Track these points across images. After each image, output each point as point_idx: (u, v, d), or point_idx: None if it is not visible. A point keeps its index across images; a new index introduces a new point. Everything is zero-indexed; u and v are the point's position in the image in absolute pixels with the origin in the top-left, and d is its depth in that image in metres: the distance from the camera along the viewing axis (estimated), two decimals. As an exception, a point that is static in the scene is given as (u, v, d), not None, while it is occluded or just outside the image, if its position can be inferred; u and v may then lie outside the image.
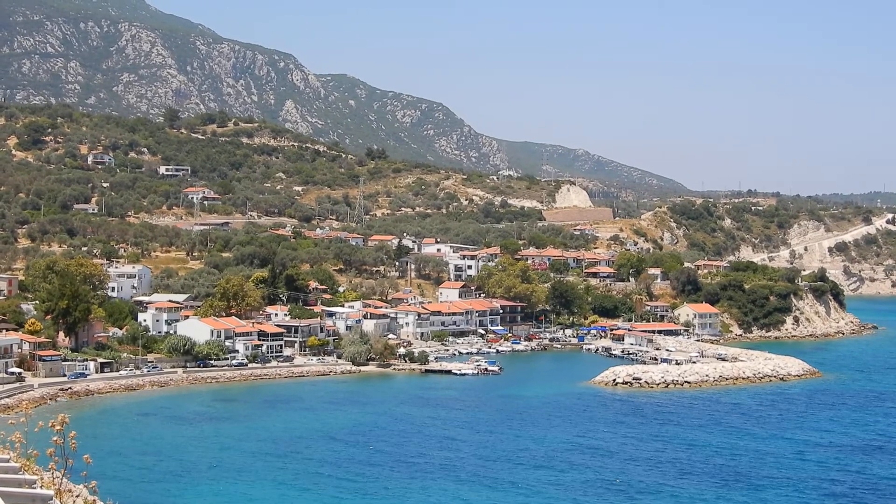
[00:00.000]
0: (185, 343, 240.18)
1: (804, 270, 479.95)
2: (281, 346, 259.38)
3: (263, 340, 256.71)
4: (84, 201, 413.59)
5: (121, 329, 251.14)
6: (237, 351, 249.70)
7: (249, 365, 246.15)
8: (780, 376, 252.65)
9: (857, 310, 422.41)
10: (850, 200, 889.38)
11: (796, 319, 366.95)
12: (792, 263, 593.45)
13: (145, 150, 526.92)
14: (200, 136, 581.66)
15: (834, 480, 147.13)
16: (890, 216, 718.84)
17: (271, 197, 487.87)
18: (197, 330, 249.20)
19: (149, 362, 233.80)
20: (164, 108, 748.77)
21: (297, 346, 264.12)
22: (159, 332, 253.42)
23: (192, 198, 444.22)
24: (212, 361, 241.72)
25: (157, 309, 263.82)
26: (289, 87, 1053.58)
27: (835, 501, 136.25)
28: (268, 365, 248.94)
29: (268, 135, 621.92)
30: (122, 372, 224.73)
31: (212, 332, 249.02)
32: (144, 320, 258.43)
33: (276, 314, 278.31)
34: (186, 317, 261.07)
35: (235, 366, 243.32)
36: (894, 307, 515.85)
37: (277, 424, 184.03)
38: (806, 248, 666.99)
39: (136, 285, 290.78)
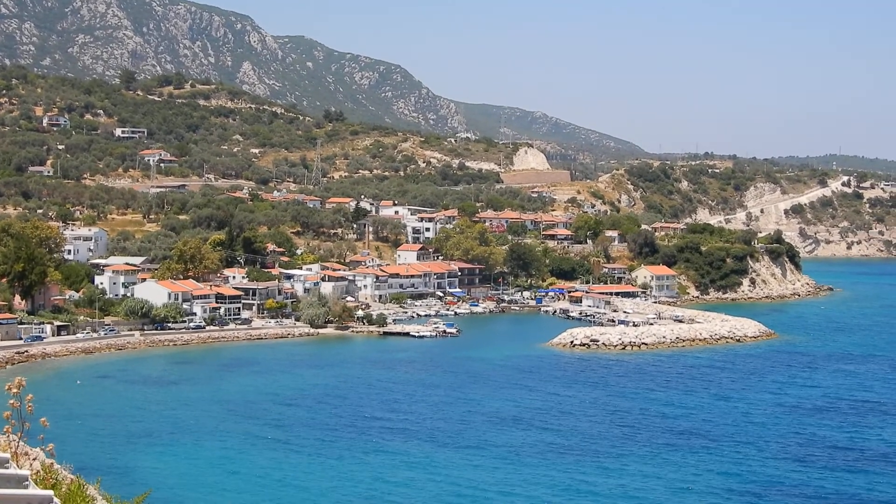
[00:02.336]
0: (142, 306, 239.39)
1: (760, 233, 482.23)
2: (239, 308, 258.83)
3: (221, 303, 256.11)
4: (39, 164, 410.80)
5: (77, 292, 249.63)
6: (195, 314, 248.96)
7: (207, 328, 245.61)
8: (737, 338, 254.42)
9: (813, 272, 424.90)
10: (806, 163, 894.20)
11: (752, 281, 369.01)
12: (748, 226, 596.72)
13: (101, 112, 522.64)
14: (157, 99, 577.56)
15: (781, 442, 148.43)
16: (845, 179, 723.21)
17: (228, 159, 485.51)
18: (154, 293, 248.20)
19: (106, 325, 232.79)
20: (120, 70, 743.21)
21: (254, 308, 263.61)
22: (116, 295, 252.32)
23: (149, 160, 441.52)
24: (169, 324, 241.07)
25: (113, 272, 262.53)
26: (246, 49, 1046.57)
27: (781, 461, 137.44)
28: (225, 328, 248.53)
29: (225, 97, 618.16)
30: (78, 335, 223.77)
31: (169, 294, 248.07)
32: (101, 283, 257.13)
33: (234, 277, 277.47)
34: (143, 279, 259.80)
35: (193, 329, 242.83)
36: (849, 269, 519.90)
37: (235, 387, 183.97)
38: (762, 211, 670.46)
39: (92, 248, 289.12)
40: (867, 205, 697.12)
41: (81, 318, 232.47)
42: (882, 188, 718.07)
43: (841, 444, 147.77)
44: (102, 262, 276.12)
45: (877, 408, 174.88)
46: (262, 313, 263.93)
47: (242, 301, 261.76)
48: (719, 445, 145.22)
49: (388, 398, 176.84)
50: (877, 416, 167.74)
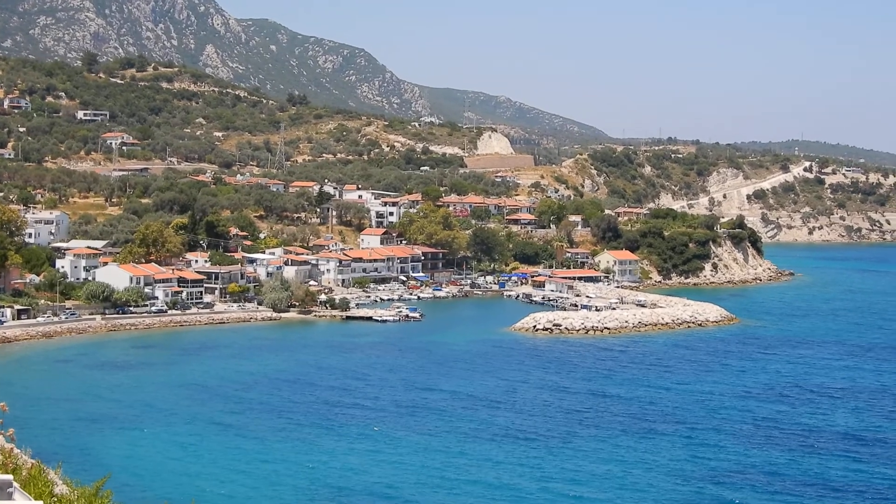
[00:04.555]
0: (103, 290, 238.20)
1: (723, 217, 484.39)
2: (201, 292, 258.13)
3: (183, 287, 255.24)
4: (0, 146, 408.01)
5: (38, 275, 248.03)
6: (156, 297, 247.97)
7: (169, 312, 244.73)
8: (699, 322, 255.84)
9: (775, 257, 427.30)
10: (769, 148, 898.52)
11: (715, 266, 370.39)
12: (711, 211, 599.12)
13: (63, 94, 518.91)
14: (119, 81, 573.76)
15: (737, 425, 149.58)
16: (807, 164, 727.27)
17: (191, 143, 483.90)
18: (116, 276, 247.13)
19: (67, 309, 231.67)
20: (83, 52, 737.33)
21: (217, 292, 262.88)
22: (77, 279, 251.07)
23: (111, 143, 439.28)
24: (131, 308, 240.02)
25: (75, 255, 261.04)
26: (209, 32, 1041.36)
27: (737, 445, 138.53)
28: (187, 312, 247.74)
29: (188, 80, 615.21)
30: (39, 319, 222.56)
31: (131, 278, 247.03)
32: (62, 267, 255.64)
33: (196, 261, 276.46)
34: (105, 263, 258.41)
35: (155, 312, 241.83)
36: (811, 254, 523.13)
37: (196, 372, 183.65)
38: (725, 196, 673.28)
39: (53, 231, 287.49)
40: (829, 190, 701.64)
41: (42, 301, 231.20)
42: (843, 174, 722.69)
43: (795, 427, 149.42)
44: (64, 245, 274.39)
45: (831, 392, 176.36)
46: (225, 297, 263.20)
47: (205, 285, 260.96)
48: (676, 429, 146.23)
49: (348, 382, 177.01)
50: (831, 400, 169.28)
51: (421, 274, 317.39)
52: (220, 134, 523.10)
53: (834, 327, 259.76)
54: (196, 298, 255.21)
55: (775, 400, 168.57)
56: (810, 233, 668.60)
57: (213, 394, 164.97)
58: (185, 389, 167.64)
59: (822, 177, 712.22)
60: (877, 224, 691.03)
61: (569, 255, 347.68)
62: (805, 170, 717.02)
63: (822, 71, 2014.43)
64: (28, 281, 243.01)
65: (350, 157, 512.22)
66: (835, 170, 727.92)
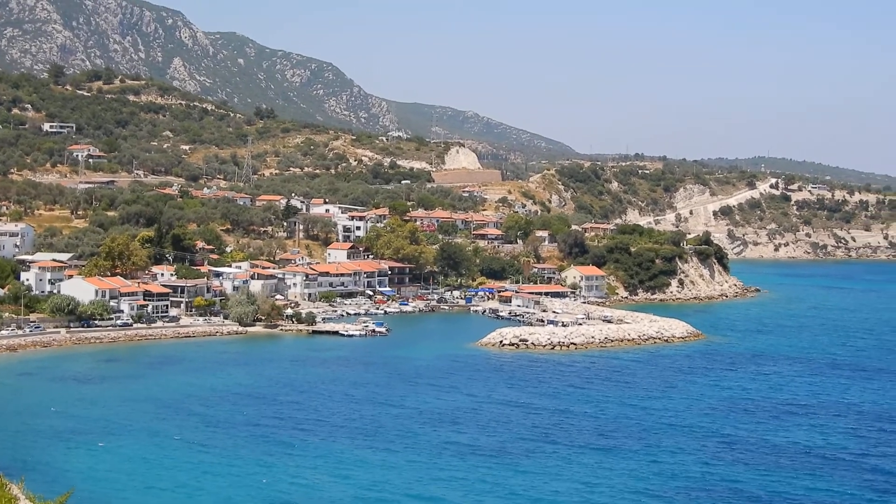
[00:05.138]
0: (68, 303, 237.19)
1: (689, 234, 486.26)
2: (167, 306, 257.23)
3: (149, 300, 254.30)
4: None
5: (2, 288, 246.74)
6: (122, 311, 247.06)
7: (134, 325, 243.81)
8: (665, 338, 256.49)
9: (741, 273, 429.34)
10: (735, 165, 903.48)
11: (681, 282, 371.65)
12: (677, 227, 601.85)
13: (29, 106, 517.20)
14: (86, 94, 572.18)
15: (700, 442, 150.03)
16: (773, 181, 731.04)
17: (158, 155, 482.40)
18: (81, 289, 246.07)
19: (31, 322, 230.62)
20: (49, 65, 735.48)
21: (183, 306, 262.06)
22: (42, 292, 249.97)
23: (77, 155, 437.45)
24: (96, 321, 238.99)
25: (40, 268, 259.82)
26: (177, 45, 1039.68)
27: (699, 462, 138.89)
28: (153, 325, 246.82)
29: (155, 92, 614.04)
30: (3, 332, 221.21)
31: (96, 291, 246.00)
32: (27, 279, 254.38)
33: (162, 274, 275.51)
34: (70, 276, 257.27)
35: (120, 326, 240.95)
36: (777, 271, 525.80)
37: (161, 386, 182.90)
38: (691, 212, 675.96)
39: (18, 244, 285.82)
40: (795, 207, 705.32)
41: (6, 314, 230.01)
42: (809, 190, 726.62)
43: (759, 444, 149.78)
44: (29, 258, 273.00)
45: (795, 409, 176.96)
46: (191, 311, 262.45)
47: (171, 298, 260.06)
48: (640, 445, 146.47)
49: (312, 397, 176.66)
50: (794, 417, 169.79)
51: (388, 288, 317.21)
52: (186, 147, 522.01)
53: (798, 344, 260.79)
54: (162, 312, 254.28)
55: (739, 416, 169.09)
56: (776, 249, 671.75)
57: (177, 408, 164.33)
58: (150, 404, 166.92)
59: (789, 193, 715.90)
60: (842, 241, 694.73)
61: (535, 270, 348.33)
62: (771, 186, 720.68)
63: (788, 88, 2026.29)
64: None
65: (317, 171, 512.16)
66: (801, 187, 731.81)
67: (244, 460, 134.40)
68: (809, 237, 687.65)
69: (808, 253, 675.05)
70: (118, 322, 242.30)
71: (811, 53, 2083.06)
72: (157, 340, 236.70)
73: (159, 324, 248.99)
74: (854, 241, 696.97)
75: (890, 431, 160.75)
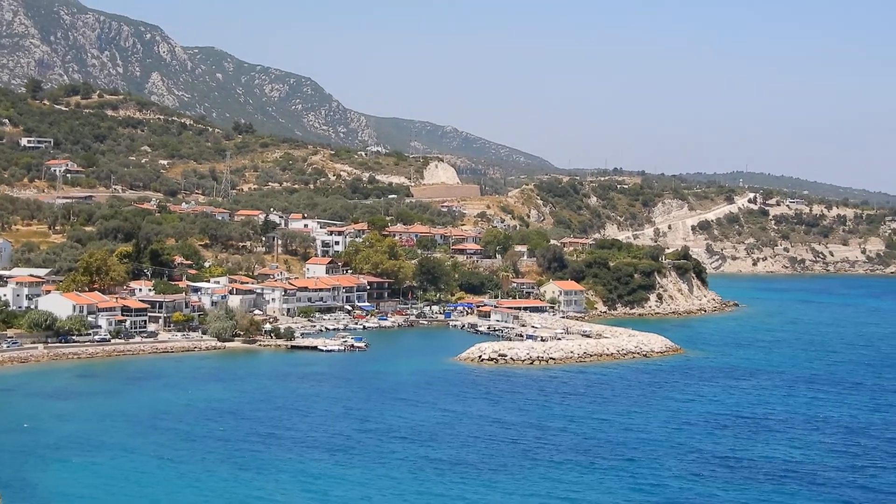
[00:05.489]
0: (46, 318, 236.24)
1: (668, 248, 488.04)
2: (145, 321, 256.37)
3: (127, 316, 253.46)
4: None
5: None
6: (100, 326, 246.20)
7: (112, 341, 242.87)
8: (644, 353, 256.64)
9: (719, 287, 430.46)
10: (714, 180, 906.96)
11: (660, 297, 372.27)
12: (656, 241, 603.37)
13: (6, 121, 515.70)
14: (64, 108, 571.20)
15: (677, 457, 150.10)
16: (751, 195, 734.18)
17: (136, 170, 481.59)
18: (59, 305, 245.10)
19: (8, 338, 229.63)
20: (27, 79, 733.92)
21: (161, 321, 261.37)
22: (20, 307, 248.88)
23: (55, 170, 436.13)
24: (74, 337, 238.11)
25: (17, 283, 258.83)
26: (155, 60, 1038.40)
27: (675, 476, 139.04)
28: (131, 341, 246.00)
29: (133, 107, 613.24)
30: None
31: (74, 307, 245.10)
32: (4, 295, 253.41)
33: (141, 289, 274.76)
34: (48, 291, 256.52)
35: (98, 341, 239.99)
36: (755, 285, 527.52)
37: (140, 401, 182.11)
38: (670, 227, 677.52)
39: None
40: (773, 221, 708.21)
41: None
42: (787, 205, 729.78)
43: (735, 458, 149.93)
44: (6, 273, 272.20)
45: (771, 424, 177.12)
46: (169, 326, 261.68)
47: (149, 314, 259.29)
48: (617, 461, 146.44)
49: (290, 413, 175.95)
50: (770, 432, 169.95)
51: (366, 303, 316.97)
52: (165, 162, 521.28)
53: (776, 358, 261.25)
54: (140, 327, 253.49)
55: (717, 431, 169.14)
56: (754, 264, 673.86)
57: (154, 424, 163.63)
58: (127, 419, 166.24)
59: (767, 208, 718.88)
60: (820, 255, 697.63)
61: (514, 285, 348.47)
62: (749, 201, 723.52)
63: (766, 103, 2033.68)
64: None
65: (296, 186, 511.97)
66: (779, 201, 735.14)
67: (219, 477, 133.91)
68: (787, 252, 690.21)
69: (787, 267, 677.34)
70: (96, 337, 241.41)
71: (788, 67, 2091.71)
72: (135, 356, 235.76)
73: (137, 339, 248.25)
74: (832, 255, 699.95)
75: (867, 446, 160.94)
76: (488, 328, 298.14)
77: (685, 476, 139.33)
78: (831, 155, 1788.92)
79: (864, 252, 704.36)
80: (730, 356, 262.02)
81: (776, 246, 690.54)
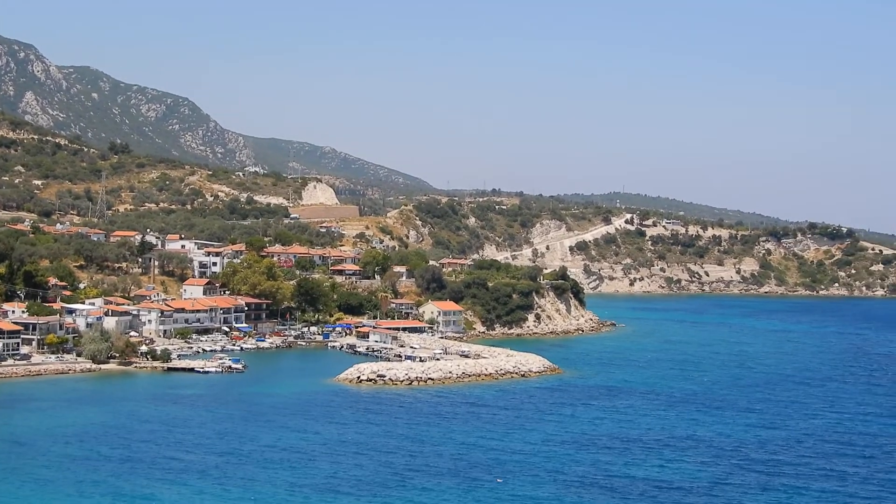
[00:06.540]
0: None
1: (546, 269, 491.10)
2: (18, 343, 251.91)
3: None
4: None
5: None
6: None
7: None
8: (522, 373, 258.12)
9: (597, 307, 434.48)
10: (591, 201, 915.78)
11: (538, 317, 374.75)
12: (534, 262, 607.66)
13: None
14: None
15: (552, 477, 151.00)
16: (628, 216, 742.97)
17: (9, 191, 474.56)
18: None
19: None
20: None
21: (34, 343, 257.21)
22: None
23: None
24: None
25: None
26: (29, 79, 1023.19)
27: (553, 495, 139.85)
28: (3, 363, 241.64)
29: (6, 127, 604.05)
30: None
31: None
32: None
33: (14, 311, 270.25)
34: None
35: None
36: (632, 305, 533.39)
37: (10, 425, 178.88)
38: (548, 247, 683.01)
39: None
40: (649, 242, 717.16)
41: None
42: (664, 226, 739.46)
43: (609, 477, 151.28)
44: None
45: (646, 442, 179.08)
46: (43, 348, 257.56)
47: (22, 336, 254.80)
48: (491, 482, 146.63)
49: (163, 435, 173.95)
50: (645, 450, 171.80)
51: (244, 325, 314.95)
52: (39, 182, 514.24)
53: (652, 378, 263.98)
54: (13, 350, 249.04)
55: (593, 451, 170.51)
56: (631, 284, 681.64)
57: (26, 448, 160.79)
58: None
59: (643, 229, 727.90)
60: (696, 275, 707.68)
61: (393, 305, 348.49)
62: (626, 222, 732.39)
63: (642, 125, 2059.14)
64: None
65: (173, 207, 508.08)
66: (655, 222, 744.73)
67: (91, 499, 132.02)
68: (664, 272, 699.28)
69: (663, 287, 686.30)
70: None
71: (664, 90, 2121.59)
72: (7, 379, 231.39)
73: (10, 362, 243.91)
74: (707, 275, 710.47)
75: (740, 464, 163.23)
76: (367, 349, 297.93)
77: (562, 496, 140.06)
78: (707, 176, 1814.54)
79: (738, 272, 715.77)
80: (607, 376, 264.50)
81: (653, 266, 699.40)
